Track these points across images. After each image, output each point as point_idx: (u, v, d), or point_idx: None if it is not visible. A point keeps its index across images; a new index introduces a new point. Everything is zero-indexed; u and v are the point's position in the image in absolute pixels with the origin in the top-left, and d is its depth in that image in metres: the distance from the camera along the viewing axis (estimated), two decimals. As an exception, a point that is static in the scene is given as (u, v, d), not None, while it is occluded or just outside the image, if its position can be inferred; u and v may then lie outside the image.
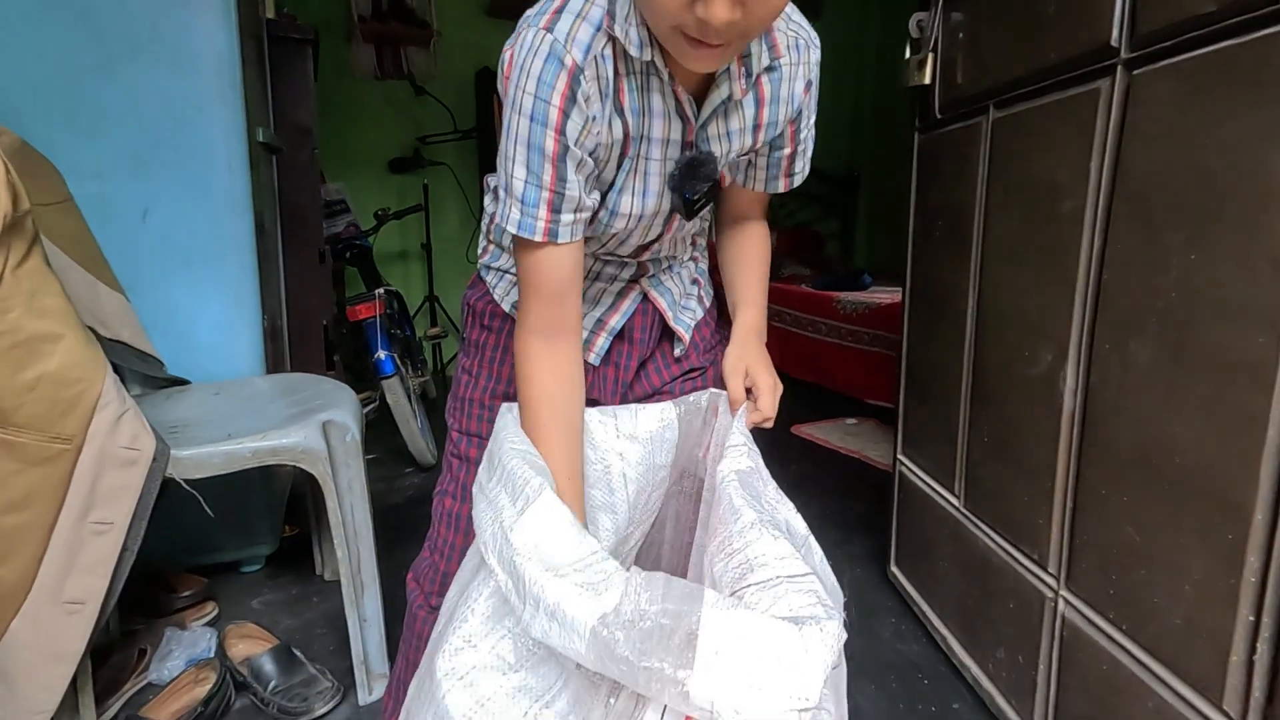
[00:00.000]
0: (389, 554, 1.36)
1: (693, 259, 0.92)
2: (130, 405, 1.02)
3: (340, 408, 1.26)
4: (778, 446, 2.53)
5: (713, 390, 0.82)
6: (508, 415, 0.72)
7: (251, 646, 1.30)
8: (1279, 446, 0.68)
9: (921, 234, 1.46)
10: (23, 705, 0.98)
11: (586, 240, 0.73)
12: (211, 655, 1.32)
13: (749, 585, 0.50)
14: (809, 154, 0.82)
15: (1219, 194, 0.73)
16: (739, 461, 0.64)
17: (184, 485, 1.09)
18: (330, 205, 2.60)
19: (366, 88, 3.43)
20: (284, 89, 1.86)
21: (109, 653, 1.28)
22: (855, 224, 4.50)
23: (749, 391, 0.78)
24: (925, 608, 1.46)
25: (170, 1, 1.40)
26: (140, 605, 1.43)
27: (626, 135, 0.68)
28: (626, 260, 0.84)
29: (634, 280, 0.86)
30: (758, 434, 0.76)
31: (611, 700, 0.53)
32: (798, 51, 0.72)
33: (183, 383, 1.47)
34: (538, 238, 0.66)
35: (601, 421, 0.79)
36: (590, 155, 0.67)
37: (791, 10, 0.69)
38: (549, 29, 0.62)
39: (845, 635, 0.45)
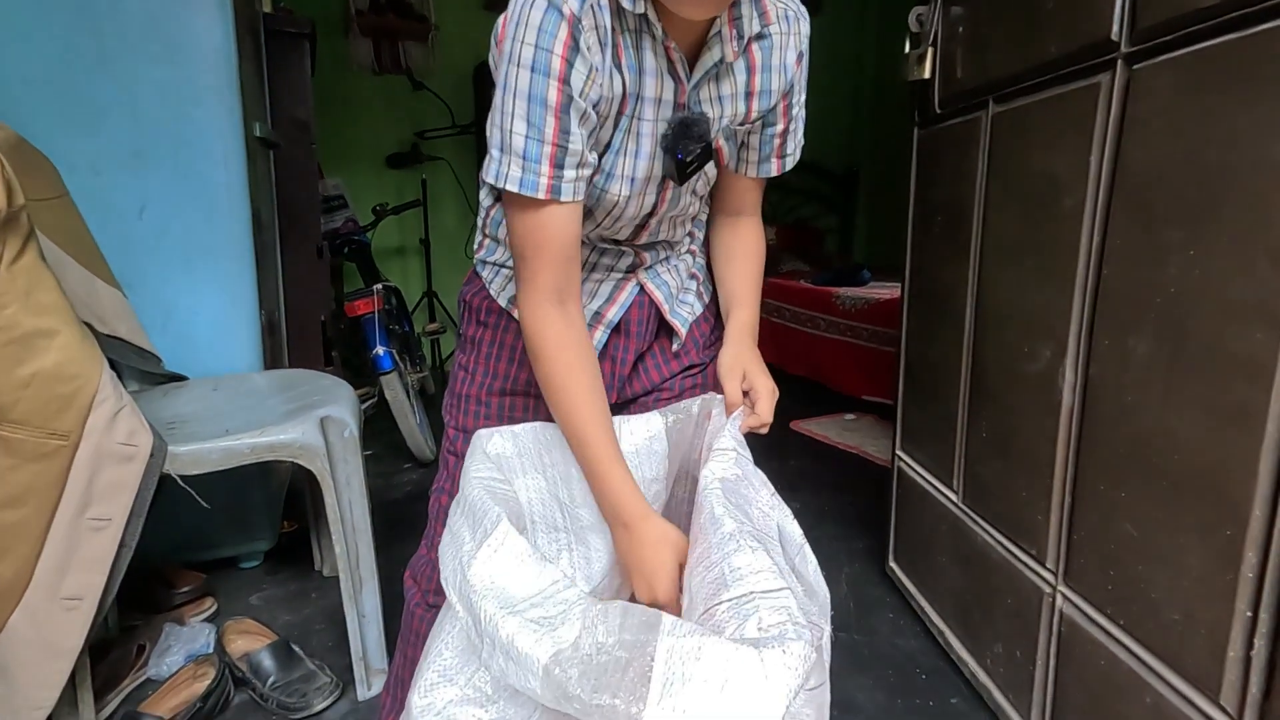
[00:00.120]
0: (388, 549, 1.36)
1: (690, 252, 0.92)
2: (127, 401, 1.02)
3: (338, 403, 1.26)
4: (776, 442, 2.53)
5: (704, 396, 0.81)
6: (477, 443, 0.71)
7: (250, 642, 1.30)
8: (1277, 442, 0.68)
9: (921, 229, 1.45)
10: (21, 701, 0.98)
11: (583, 220, 0.73)
12: (210, 651, 1.32)
13: (721, 602, 0.49)
14: (800, 136, 0.83)
15: (1219, 189, 0.73)
16: (725, 468, 0.63)
17: (179, 481, 1.09)
18: (328, 200, 2.59)
19: (364, 82, 3.42)
20: (281, 83, 1.85)
21: (108, 648, 1.28)
22: (854, 219, 4.49)
23: (745, 394, 0.77)
24: (923, 603, 1.46)
25: (166, -4, 1.39)
26: (139, 601, 1.43)
27: (624, 92, 0.68)
28: (624, 249, 0.83)
29: (630, 272, 0.86)
30: (754, 434, 0.76)
31: None
32: (788, 22, 0.73)
33: (180, 378, 1.47)
34: (540, 194, 0.65)
35: None
36: (594, 108, 0.66)
37: None
38: None
39: (814, 655, 0.44)
